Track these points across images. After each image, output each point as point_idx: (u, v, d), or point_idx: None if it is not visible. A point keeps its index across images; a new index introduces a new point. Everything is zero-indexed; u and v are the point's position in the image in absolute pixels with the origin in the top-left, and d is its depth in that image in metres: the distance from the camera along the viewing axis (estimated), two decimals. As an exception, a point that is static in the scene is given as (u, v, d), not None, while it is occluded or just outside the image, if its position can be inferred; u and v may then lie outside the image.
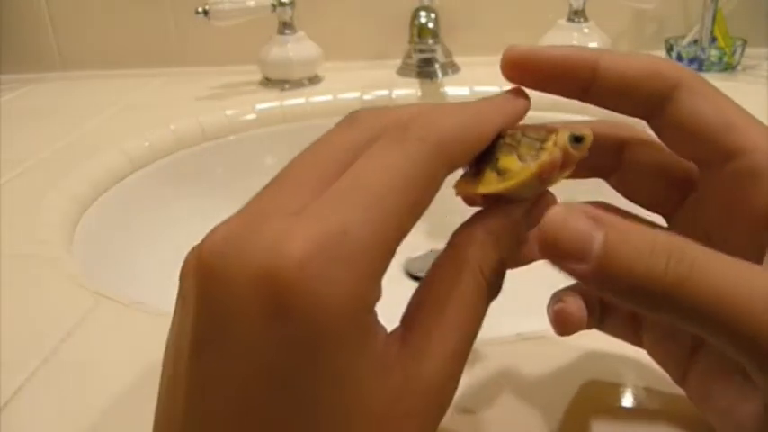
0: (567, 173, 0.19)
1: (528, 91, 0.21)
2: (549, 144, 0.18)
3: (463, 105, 0.19)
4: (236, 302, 0.15)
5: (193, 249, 0.16)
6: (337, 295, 0.14)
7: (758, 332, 0.15)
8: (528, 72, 0.20)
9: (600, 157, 0.21)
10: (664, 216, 0.22)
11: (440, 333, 0.17)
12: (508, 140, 0.19)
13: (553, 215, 0.16)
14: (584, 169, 0.21)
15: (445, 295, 0.17)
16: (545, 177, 0.18)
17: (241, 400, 0.15)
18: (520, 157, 0.18)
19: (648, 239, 0.16)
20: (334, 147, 0.18)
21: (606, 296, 0.18)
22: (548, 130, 0.19)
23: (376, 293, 0.16)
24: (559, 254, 0.16)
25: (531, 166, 0.18)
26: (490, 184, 0.18)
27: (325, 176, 0.17)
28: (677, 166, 0.21)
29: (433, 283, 0.18)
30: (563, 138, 0.18)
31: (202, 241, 0.16)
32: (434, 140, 0.17)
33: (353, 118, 0.19)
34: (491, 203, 0.19)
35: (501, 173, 0.18)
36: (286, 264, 0.14)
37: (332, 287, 0.14)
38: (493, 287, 0.18)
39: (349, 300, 0.15)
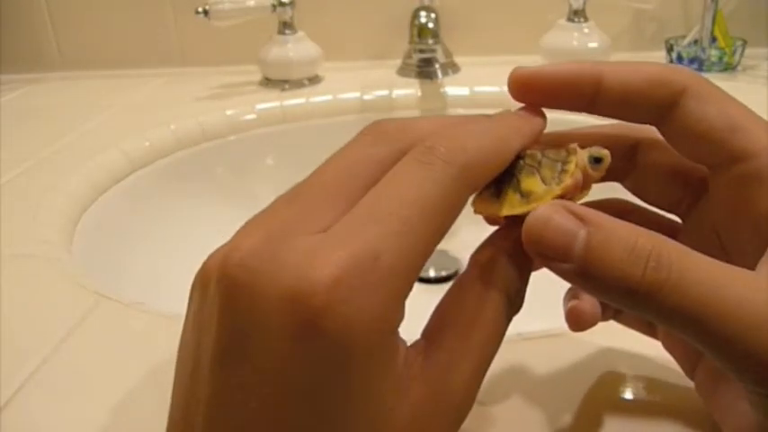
0: (587, 193, 0.19)
1: None
2: (571, 166, 0.19)
3: (484, 125, 0.19)
4: (264, 320, 0.15)
5: (214, 256, 0.16)
6: (364, 319, 0.15)
7: (732, 336, 0.15)
8: (534, 91, 0.20)
9: (614, 161, 0.21)
10: (679, 216, 0.22)
11: (464, 351, 0.17)
12: (528, 161, 0.19)
13: (538, 214, 0.17)
14: None
15: (470, 314, 0.18)
16: (567, 199, 0.19)
17: (265, 414, 0.15)
18: (543, 180, 0.19)
19: (630, 241, 0.16)
20: (358, 161, 0.18)
21: (591, 295, 0.18)
22: (566, 149, 0.19)
23: (401, 315, 0.16)
24: (543, 252, 0.17)
25: (555, 190, 0.18)
26: (514, 206, 0.19)
27: (350, 192, 0.17)
28: (690, 168, 0.21)
29: (457, 301, 0.18)
30: (583, 159, 0.19)
31: (226, 251, 0.16)
32: (460, 164, 0.17)
33: (377, 131, 0.19)
34: (512, 222, 0.19)
35: (524, 195, 0.19)
36: (314, 289, 0.14)
37: (359, 311, 0.15)
38: (515, 305, 0.19)
39: (376, 323, 0.15)
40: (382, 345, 0.15)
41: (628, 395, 0.25)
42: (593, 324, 0.23)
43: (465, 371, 0.17)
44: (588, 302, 0.23)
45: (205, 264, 0.17)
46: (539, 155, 0.19)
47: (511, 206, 0.19)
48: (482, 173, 0.18)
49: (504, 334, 0.18)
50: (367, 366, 0.15)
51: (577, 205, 0.17)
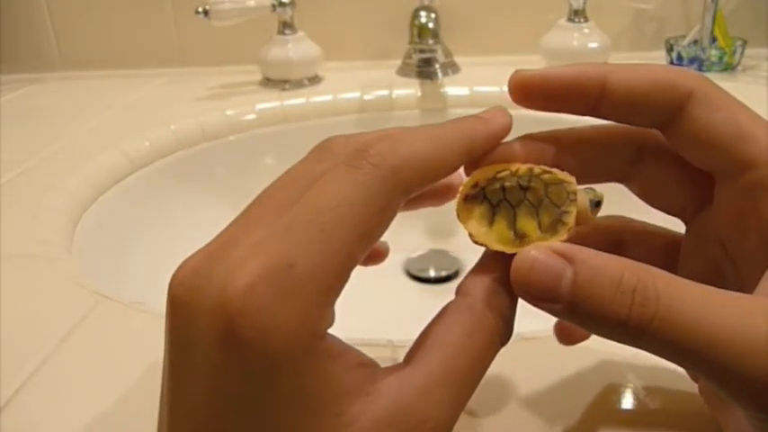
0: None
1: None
2: (570, 220, 0.19)
3: (429, 129, 0.18)
4: (196, 333, 0.15)
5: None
6: (280, 325, 0.15)
7: (727, 364, 0.15)
8: (536, 94, 0.20)
9: (619, 164, 0.21)
10: (683, 221, 0.22)
11: (442, 376, 0.17)
12: (530, 197, 0.19)
13: (524, 256, 0.17)
14: (603, 175, 0.21)
15: (452, 341, 0.17)
16: None
17: (208, 425, 0.15)
18: (540, 225, 0.19)
19: (616, 277, 0.16)
20: (298, 177, 0.18)
21: (584, 330, 0.18)
22: (566, 190, 0.19)
23: (327, 320, 0.16)
24: (531, 294, 0.17)
25: (550, 241, 0.18)
26: (506, 244, 0.19)
27: (286, 206, 0.17)
28: (696, 173, 0.21)
29: (441, 326, 0.18)
30: (583, 203, 0.19)
31: (174, 272, 0.17)
32: (390, 167, 0.17)
33: (324, 147, 0.19)
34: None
35: (518, 234, 0.19)
36: (231, 297, 0.15)
37: (274, 317, 0.15)
38: (504, 335, 0.18)
39: (293, 328, 0.15)
40: (306, 349, 0.15)
41: (628, 397, 0.25)
42: (582, 338, 0.22)
43: (441, 396, 0.17)
44: None
45: None
46: (542, 192, 0.19)
47: (503, 243, 0.19)
48: (417, 175, 0.17)
49: (489, 363, 0.18)
50: (293, 371, 0.15)
51: (563, 244, 0.17)
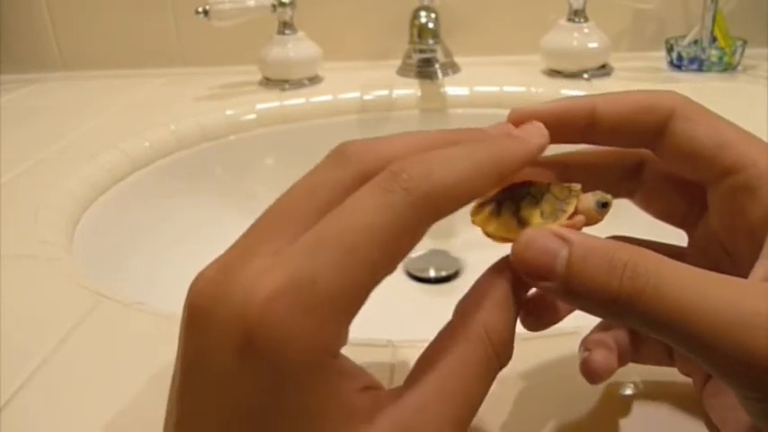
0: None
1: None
2: (570, 208, 0.20)
3: (464, 149, 0.18)
4: (213, 341, 0.15)
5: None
6: (297, 338, 0.15)
7: (714, 340, 0.15)
8: None
9: (621, 180, 0.22)
10: (686, 231, 0.23)
11: (439, 399, 0.17)
12: (533, 191, 0.21)
13: (523, 236, 0.18)
14: (609, 192, 0.21)
15: (448, 363, 0.17)
16: None
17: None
18: (542, 213, 0.20)
19: (608, 255, 0.17)
20: (317, 185, 0.18)
21: (580, 310, 0.18)
22: (570, 189, 0.20)
23: (341, 339, 0.16)
24: (528, 272, 0.18)
25: (551, 225, 0.19)
26: (510, 230, 0.20)
27: (308, 217, 0.17)
28: (691, 183, 0.22)
29: (437, 348, 0.18)
30: (588, 203, 0.20)
31: (192, 281, 0.17)
32: (422, 192, 0.16)
33: (341, 154, 0.18)
34: (500, 266, 0.19)
35: (521, 222, 0.20)
36: (252, 308, 0.15)
37: (292, 331, 0.15)
38: (502, 356, 0.18)
39: (311, 344, 0.15)
40: (319, 366, 0.15)
41: (629, 396, 0.25)
42: (609, 374, 0.22)
43: (439, 418, 0.16)
44: (599, 354, 0.22)
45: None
46: (544, 189, 0.20)
47: (507, 230, 0.20)
48: (449, 203, 0.17)
49: (489, 386, 0.18)
50: (303, 385, 0.15)
51: (560, 228, 0.18)
